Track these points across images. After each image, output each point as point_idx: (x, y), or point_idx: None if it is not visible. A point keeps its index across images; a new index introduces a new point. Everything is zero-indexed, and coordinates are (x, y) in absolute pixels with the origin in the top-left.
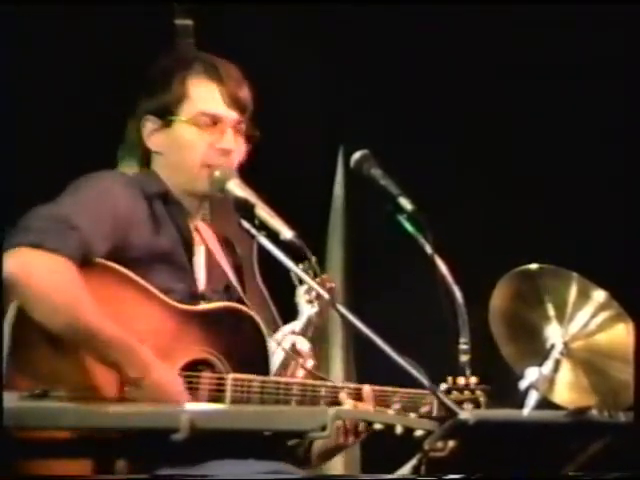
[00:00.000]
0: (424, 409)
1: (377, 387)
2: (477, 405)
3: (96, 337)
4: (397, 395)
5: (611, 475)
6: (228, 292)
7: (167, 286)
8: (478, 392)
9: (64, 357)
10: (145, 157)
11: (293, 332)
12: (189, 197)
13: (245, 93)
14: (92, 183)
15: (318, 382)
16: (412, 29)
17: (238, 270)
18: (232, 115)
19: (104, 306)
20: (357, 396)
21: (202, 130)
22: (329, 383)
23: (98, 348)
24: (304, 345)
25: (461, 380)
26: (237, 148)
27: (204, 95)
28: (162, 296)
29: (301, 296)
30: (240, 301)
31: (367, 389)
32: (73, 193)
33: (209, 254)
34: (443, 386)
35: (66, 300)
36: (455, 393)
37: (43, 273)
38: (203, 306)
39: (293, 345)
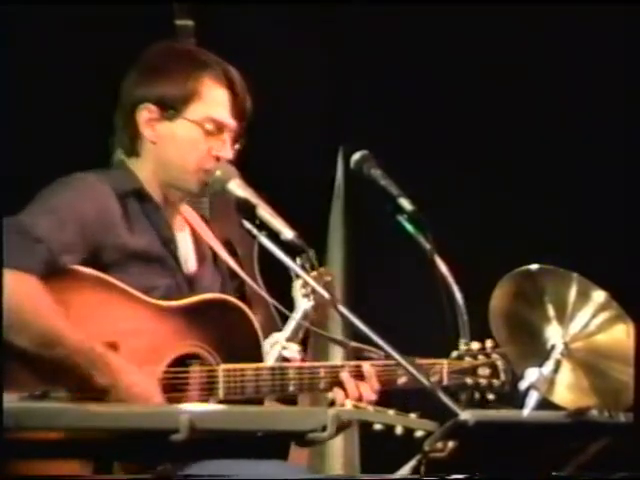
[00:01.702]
0: (433, 379)
1: (379, 362)
2: (494, 369)
3: (62, 348)
4: (402, 368)
5: (611, 476)
6: (222, 270)
7: (149, 284)
8: (495, 356)
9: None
10: (136, 144)
11: (277, 342)
12: (174, 190)
13: (250, 104)
14: (60, 191)
15: (317, 363)
16: (412, 29)
17: (235, 274)
18: (235, 125)
19: (82, 313)
20: (358, 373)
21: (205, 134)
22: (328, 363)
23: (66, 359)
24: (292, 352)
25: (475, 345)
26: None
27: (217, 100)
28: (141, 295)
29: (297, 290)
30: (240, 284)
31: (367, 366)
32: (41, 201)
33: (195, 234)
34: (454, 354)
35: (28, 317)
36: (468, 359)
37: (5, 293)
38: (186, 300)
39: (279, 354)
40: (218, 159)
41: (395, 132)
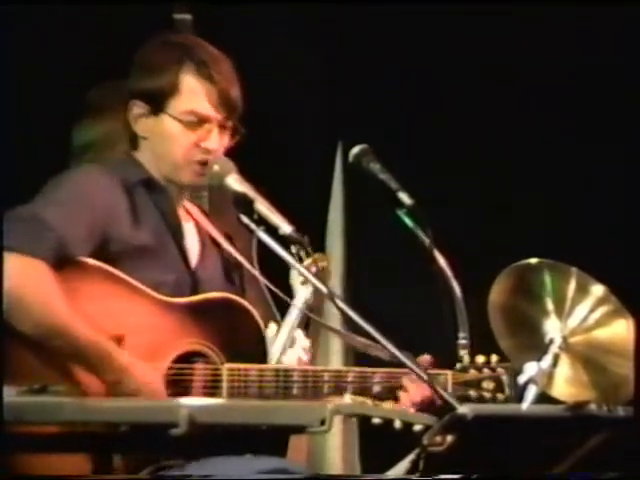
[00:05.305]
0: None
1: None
2: (499, 384)
3: (69, 340)
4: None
5: (611, 475)
6: (229, 268)
7: (157, 280)
8: (500, 370)
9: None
10: (132, 139)
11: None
12: (171, 184)
13: (236, 93)
14: (70, 181)
15: (321, 367)
16: (411, 28)
17: (238, 266)
18: (220, 115)
19: (89, 305)
20: (362, 380)
21: (187, 128)
22: (332, 368)
23: (72, 351)
24: (303, 341)
25: (480, 358)
26: (220, 146)
27: (194, 93)
28: (149, 291)
29: (295, 278)
30: (242, 280)
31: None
32: (51, 192)
33: (199, 228)
34: (458, 366)
35: (37, 302)
36: (472, 371)
37: (15, 277)
38: (192, 297)
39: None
40: (207, 150)
41: (395, 132)
